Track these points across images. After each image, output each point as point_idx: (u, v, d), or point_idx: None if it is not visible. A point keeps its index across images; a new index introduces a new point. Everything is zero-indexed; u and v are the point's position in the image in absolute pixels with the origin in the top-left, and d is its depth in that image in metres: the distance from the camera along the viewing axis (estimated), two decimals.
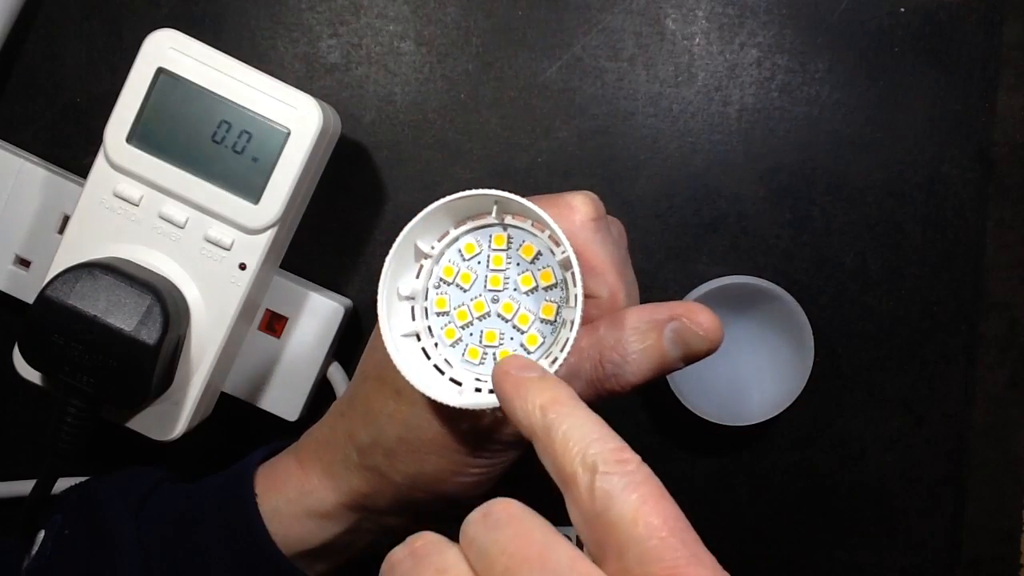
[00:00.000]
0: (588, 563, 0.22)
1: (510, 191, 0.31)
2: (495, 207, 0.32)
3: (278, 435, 0.45)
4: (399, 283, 0.32)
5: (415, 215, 0.31)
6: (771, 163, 0.47)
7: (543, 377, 0.27)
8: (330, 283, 0.47)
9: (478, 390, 0.32)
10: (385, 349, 0.31)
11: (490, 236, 0.33)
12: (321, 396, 0.46)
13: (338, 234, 0.47)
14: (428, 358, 0.33)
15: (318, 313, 0.44)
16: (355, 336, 0.47)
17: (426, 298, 0.33)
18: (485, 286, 0.33)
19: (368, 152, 0.47)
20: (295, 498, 0.37)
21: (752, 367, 0.47)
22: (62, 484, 0.42)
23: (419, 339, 0.33)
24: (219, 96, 0.39)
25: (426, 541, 0.24)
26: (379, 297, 0.31)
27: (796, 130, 0.47)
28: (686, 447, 0.48)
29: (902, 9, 0.46)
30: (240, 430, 0.47)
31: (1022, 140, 0.47)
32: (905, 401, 0.48)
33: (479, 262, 0.33)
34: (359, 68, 0.46)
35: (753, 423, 0.46)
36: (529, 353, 0.32)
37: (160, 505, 0.39)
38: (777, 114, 0.47)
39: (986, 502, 0.49)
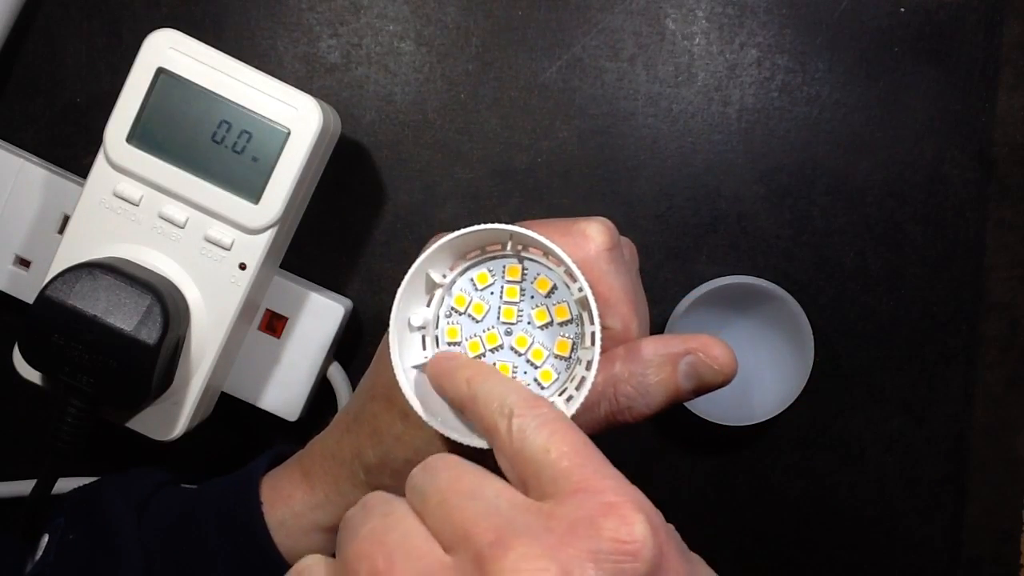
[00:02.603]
0: (514, 491, 0.25)
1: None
2: (510, 240, 0.31)
3: (278, 435, 0.45)
4: (410, 313, 0.32)
5: (425, 248, 0.31)
6: (771, 163, 0.47)
7: (467, 360, 0.30)
8: (330, 283, 0.47)
9: None
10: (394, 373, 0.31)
11: (504, 267, 0.32)
12: (321, 396, 0.46)
13: (338, 234, 0.47)
14: None
15: (318, 313, 0.44)
16: (355, 336, 0.47)
17: (437, 327, 0.32)
18: (498, 318, 0.32)
19: (368, 152, 0.47)
20: (301, 511, 0.37)
21: (752, 367, 0.47)
22: (62, 484, 0.42)
23: None
24: (219, 96, 0.39)
25: (375, 496, 0.27)
26: (390, 328, 0.31)
27: (796, 130, 0.47)
28: (686, 447, 0.48)
29: (902, 9, 0.46)
30: (240, 430, 0.47)
31: (1022, 140, 0.47)
32: (905, 401, 0.48)
33: (492, 293, 0.32)
34: (359, 68, 0.46)
35: (753, 423, 0.46)
36: (543, 389, 0.32)
37: (163, 508, 0.39)
38: (777, 114, 0.47)
39: (986, 502, 0.49)
